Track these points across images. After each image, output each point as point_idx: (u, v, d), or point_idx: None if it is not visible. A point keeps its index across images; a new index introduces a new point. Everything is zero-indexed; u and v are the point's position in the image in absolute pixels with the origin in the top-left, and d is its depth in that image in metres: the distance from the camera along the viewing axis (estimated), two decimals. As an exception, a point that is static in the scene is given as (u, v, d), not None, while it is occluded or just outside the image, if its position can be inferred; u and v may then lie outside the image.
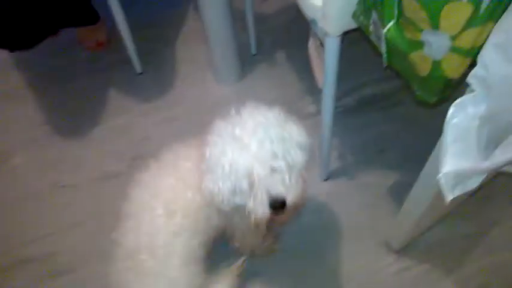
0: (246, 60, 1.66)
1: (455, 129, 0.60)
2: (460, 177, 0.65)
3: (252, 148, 0.79)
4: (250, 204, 0.81)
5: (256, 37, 1.65)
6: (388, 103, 1.53)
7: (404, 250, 1.27)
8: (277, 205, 0.79)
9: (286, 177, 0.81)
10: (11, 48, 1.31)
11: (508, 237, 1.29)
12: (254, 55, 1.70)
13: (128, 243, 0.95)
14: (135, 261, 0.93)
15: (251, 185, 0.80)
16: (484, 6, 0.57)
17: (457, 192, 0.67)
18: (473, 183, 0.68)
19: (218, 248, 1.10)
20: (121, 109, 1.61)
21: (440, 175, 0.63)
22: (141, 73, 1.67)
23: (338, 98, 1.55)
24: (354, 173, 1.41)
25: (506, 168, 0.68)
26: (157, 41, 1.77)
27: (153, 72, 1.69)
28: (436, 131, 0.75)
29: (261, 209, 0.80)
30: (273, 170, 0.80)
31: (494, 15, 0.59)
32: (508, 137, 0.59)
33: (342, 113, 1.52)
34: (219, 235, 1.05)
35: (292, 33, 1.60)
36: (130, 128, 1.56)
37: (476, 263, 1.25)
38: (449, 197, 0.65)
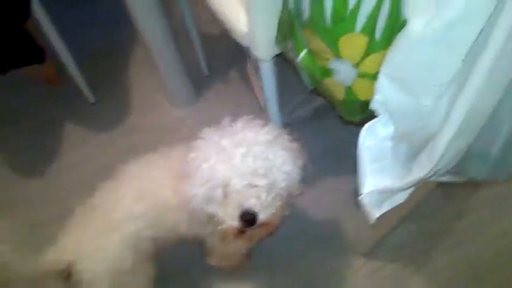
0: (200, 82, 1.66)
1: (369, 151, 0.61)
2: (385, 193, 0.67)
3: (234, 160, 0.79)
4: (221, 213, 0.82)
5: (206, 58, 1.65)
6: (341, 110, 1.54)
7: (373, 252, 1.28)
8: (247, 218, 0.79)
9: (263, 194, 0.80)
10: None
11: (472, 230, 1.31)
12: (207, 76, 1.70)
13: (100, 196, 0.98)
14: (91, 213, 0.96)
15: (225, 195, 0.80)
16: (378, 34, 0.58)
17: (385, 207, 0.68)
18: (401, 198, 0.70)
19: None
20: (78, 142, 1.59)
21: (361, 196, 0.65)
22: (94, 103, 1.66)
23: (293, 110, 1.57)
24: (314, 182, 1.42)
25: (433, 179, 0.70)
26: (108, 68, 1.76)
27: (107, 101, 1.67)
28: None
29: (230, 219, 0.80)
30: (251, 186, 0.80)
31: (392, 41, 0.59)
32: (420, 156, 0.61)
33: (298, 125, 1.53)
34: (182, 242, 1.05)
35: (242, 50, 1.61)
36: (90, 160, 1.54)
37: (444, 257, 1.27)
38: (375, 214, 0.66)
